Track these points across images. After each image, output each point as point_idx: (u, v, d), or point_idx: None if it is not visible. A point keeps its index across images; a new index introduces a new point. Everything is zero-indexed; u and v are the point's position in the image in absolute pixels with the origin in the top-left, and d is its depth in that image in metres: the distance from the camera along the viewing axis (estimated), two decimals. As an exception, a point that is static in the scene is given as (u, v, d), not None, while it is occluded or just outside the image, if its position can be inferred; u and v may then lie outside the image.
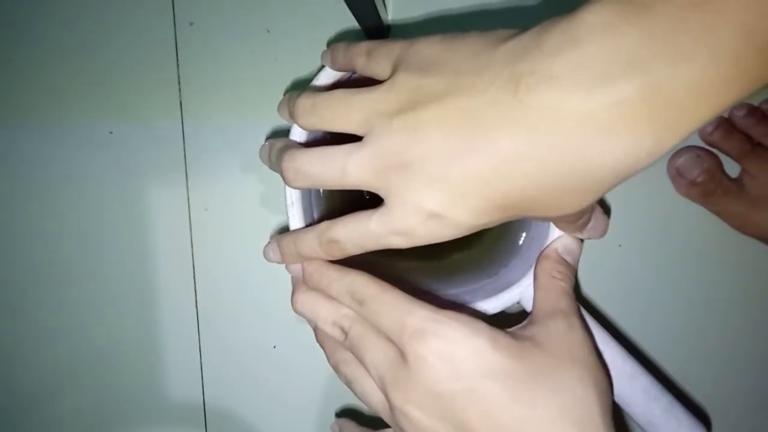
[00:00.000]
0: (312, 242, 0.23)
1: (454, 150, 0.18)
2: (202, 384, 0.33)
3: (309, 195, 0.25)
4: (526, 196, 0.18)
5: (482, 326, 0.20)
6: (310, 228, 0.23)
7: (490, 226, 0.20)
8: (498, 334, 0.20)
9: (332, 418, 0.33)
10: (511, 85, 0.17)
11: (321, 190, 0.26)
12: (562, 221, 0.23)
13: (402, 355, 0.20)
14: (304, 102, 0.22)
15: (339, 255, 0.22)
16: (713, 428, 0.32)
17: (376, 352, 0.21)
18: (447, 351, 0.19)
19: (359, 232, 0.21)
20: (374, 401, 0.22)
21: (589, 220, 0.23)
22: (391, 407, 0.21)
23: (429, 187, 0.19)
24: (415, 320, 0.20)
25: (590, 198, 0.18)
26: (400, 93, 0.19)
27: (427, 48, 0.19)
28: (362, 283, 0.22)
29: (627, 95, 0.15)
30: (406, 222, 0.19)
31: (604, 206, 0.32)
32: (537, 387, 0.19)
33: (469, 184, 0.18)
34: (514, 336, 0.21)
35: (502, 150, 0.17)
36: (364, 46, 0.22)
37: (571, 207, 0.18)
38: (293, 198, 0.24)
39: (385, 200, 0.20)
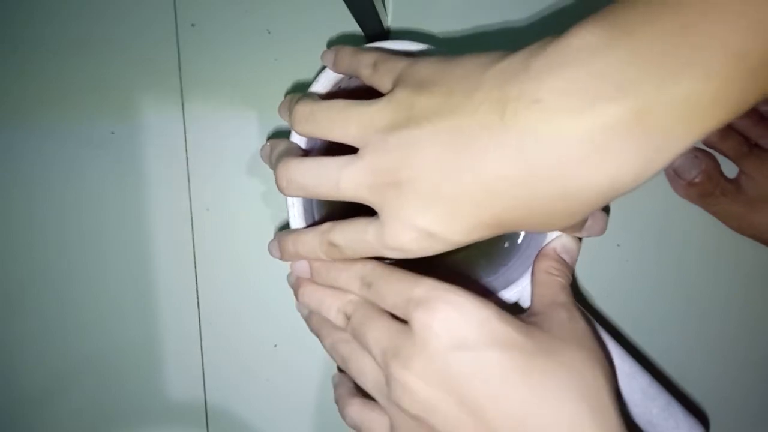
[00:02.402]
0: (312, 243, 0.23)
1: (444, 170, 0.18)
2: (204, 383, 0.33)
3: (310, 195, 0.26)
4: (516, 215, 0.18)
5: (490, 303, 0.20)
6: (310, 229, 0.23)
7: (483, 239, 0.20)
8: (504, 312, 0.20)
9: (332, 417, 0.33)
10: (499, 107, 0.17)
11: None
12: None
13: (407, 326, 0.20)
14: (302, 109, 0.22)
15: (338, 258, 0.23)
16: (711, 427, 0.32)
17: (380, 329, 0.21)
18: (453, 319, 0.19)
19: (356, 240, 0.21)
20: (370, 380, 0.21)
21: (586, 220, 0.23)
22: (389, 380, 0.20)
23: (421, 206, 0.19)
24: (421, 290, 0.20)
25: (578, 217, 0.18)
26: (396, 110, 0.19)
27: (426, 67, 0.20)
28: (371, 266, 0.22)
29: (613, 119, 0.16)
30: (400, 238, 0.20)
31: (602, 207, 0.33)
32: (546, 363, 0.19)
33: (459, 204, 0.18)
34: (518, 316, 0.21)
35: (490, 172, 0.17)
36: (371, 57, 0.22)
37: (560, 225, 0.19)
38: (294, 198, 0.24)
39: (379, 215, 0.20)
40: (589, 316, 0.23)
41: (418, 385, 0.19)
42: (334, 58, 0.24)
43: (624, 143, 0.16)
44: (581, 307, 0.23)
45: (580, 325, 0.21)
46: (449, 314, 0.19)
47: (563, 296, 0.23)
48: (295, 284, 0.25)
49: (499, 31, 0.32)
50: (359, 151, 0.20)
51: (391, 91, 0.20)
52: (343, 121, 0.21)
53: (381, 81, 0.21)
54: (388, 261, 0.23)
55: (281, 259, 0.25)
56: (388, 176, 0.19)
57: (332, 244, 0.22)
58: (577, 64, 0.16)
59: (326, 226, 0.22)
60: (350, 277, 0.22)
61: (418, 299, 0.20)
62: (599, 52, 0.16)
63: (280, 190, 0.22)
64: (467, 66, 0.19)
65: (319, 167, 0.21)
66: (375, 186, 0.20)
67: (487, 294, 0.25)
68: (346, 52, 0.23)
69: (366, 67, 0.22)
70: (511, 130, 0.17)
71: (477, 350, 0.19)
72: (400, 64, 0.21)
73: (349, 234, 0.21)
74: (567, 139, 0.16)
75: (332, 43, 0.32)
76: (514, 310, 0.22)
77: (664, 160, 0.16)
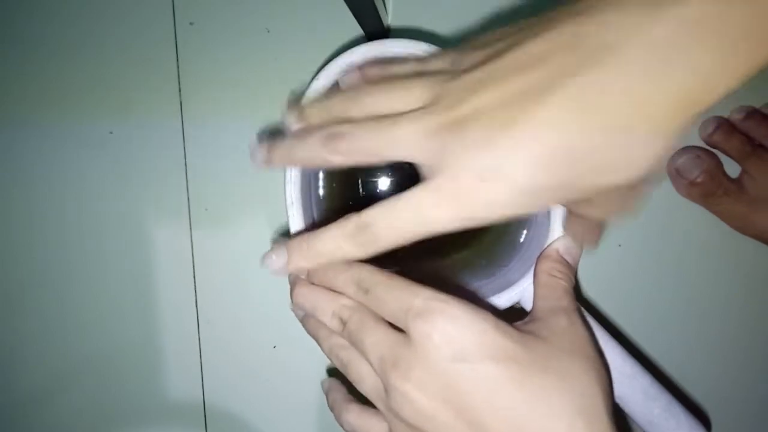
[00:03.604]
0: (335, 233, 0.21)
1: (508, 103, 0.17)
2: (202, 384, 0.33)
3: (309, 195, 0.25)
4: (590, 147, 0.17)
5: (487, 312, 0.20)
6: (329, 225, 0.22)
7: (549, 192, 0.18)
8: (502, 322, 0.20)
9: (331, 418, 0.33)
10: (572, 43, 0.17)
11: (321, 191, 0.26)
12: (605, 200, 0.21)
13: (405, 336, 0.20)
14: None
15: (368, 245, 0.21)
16: (712, 428, 0.32)
17: (377, 336, 0.20)
18: (453, 330, 0.19)
19: (398, 212, 0.20)
20: (368, 386, 0.21)
21: (626, 203, 0.21)
22: (388, 389, 0.20)
23: (484, 149, 0.18)
24: (421, 300, 0.20)
25: (659, 145, 0.17)
26: (473, 55, 0.19)
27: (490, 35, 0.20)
28: (369, 271, 0.21)
29: (688, 14, 0.15)
30: (460, 185, 0.18)
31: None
32: (542, 374, 0.19)
33: (524, 139, 0.17)
34: (517, 326, 0.21)
35: (555, 106, 0.17)
36: (406, 67, 0.22)
37: (638, 162, 0.17)
38: (293, 198, 0.24)
39: (434, 168, 0.19)
40: (589, 322, 0.23)
41: (417, 395, 0.19)
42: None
43: (702, 38, 0.15)
44: (582, 311, 0.23)
45: (579, 333, 0.21)
46: (449, 326, 0.19)
47: (565, 300, 0.22)
48: (291, 284, 0.24)
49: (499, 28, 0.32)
50: (422, 105, 0.19)
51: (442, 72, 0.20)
52: (405, 88, 0.20)
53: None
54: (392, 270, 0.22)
55: (289, 267, 0.23)
56: (451, 114, 0.18)
57: (364, 225, 0.20)
58: None
59: (352, 214, 0.21)
60: (347, 279, 0.22)
61: (418, 309, 0.19)
62: None
63: (336, 162, 0.21)
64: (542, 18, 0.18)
65: (375, 126, 0.20)
66: (435, 132, 0.19)
67: (487, 297, 0.24)
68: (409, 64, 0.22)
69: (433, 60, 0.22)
70: (585, 44, 0.16)
71: (475, 362, 0.19)
72: (448, 58, 0.20)
73: (385, 207, 0.20)
74: (645, 39, 0.16)
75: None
76: (512, 317, 0.22)
77: (744, 66, 0.15)
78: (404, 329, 0.20)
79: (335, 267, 0.22)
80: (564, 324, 0.21)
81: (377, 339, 0.20)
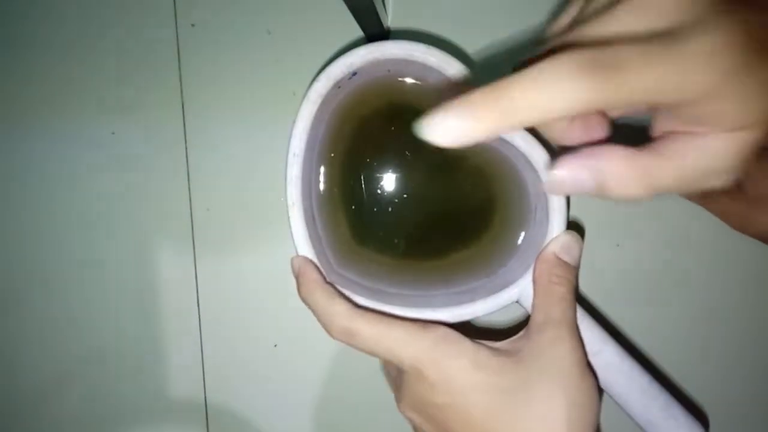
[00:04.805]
0: (557, 68, 0.14)
1: None
2: (204, 383, 0.33)
3: (310, 196, 0.26)
4: None
5: (468, 347, 0.22)
6: (537, 63, 0.14)
7: None
8: (481, 354, 0.22)
9: (332, 417, 0.33)
10: None
11: (321, 192, 0.26)
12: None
13: (402, 375, 0.23)
14: None
15: (608, 89, 0.14)
16: (711, 427, 0.32)
17: (388, 373, 0.25)
18: (438, 375, 0.22)
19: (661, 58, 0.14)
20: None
21: None
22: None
23: None
24: (410, 356, 0.22)
25: None
26: None
27: None
28: (344, 315, 0.23)
29: None
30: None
31: (601, 204, 0.33)
32: (514, 401, 0.21)
33: None
34: (498, 352, 0.22)
35: None
36: None
37: None
38: (294, 198, 0.24)
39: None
40: (588, 321, 0.24)
41: (418, 419, 0.23)
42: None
43: None
44: (581, 312, 0.23)
45: (563, 349, 0.22)
46: (436, 371, 0.22)
47: (559, 311, 0.23)
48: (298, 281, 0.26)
49: (499, 30, 0.32)
50: None
51: None
52: None
53: None
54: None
55: (480, 132, 0.15)
56: None
57: (610, 59, 0.14)
58: None
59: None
60: (322, 314, 0.23)
61: (410, 363, 0.22)
62: None
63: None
64: None
65: None
66: None
67: (486, 296, 0.25)
68: None
69: None
70: None
71: (457, 396, 0.22)
72: None
73: (646, 48, 0.14)
74: None
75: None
76: (499, 336, 0.23)
77: None
78: (402, 369, 0.23)
79: (315, 298, 0.24)
80: (550, 341, 0.22)
81: (389, 377, 0.26)
